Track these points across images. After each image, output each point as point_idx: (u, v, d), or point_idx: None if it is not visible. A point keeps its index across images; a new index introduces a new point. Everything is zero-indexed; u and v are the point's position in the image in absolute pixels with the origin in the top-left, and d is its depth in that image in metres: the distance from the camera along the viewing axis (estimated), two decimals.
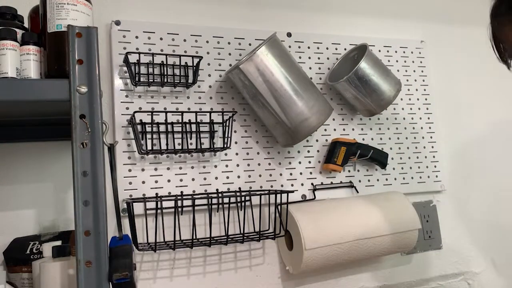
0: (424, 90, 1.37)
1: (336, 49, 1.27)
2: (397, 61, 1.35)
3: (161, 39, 1.08)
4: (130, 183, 1.01)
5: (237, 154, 1.12)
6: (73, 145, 0.62)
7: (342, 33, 1.30)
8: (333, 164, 1.18)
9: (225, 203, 1.06)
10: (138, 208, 0.97)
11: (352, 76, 1.13)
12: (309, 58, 1.24)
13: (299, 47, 1.23)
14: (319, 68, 1.24)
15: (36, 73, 0.69)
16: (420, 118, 1.35)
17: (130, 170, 1.01)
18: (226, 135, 1.06)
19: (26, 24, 0.76)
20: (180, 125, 1.05)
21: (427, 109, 1.37)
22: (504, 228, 1.43)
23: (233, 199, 1.07)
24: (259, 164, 1.13)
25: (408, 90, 1.35)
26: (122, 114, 1.02)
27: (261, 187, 1.13)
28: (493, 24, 0.76)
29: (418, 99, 1.36)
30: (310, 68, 1.23)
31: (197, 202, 1.02)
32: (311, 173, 1.19)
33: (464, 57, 1.49)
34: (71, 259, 0.79)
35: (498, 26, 0.75)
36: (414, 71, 1.37)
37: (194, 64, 1.07)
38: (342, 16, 1.33)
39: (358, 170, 1.25)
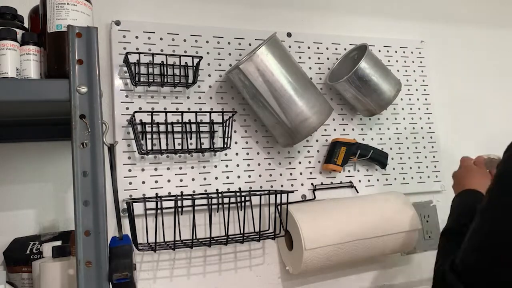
0: (424, 90, 1.37)
1: (336, 49, 1.27)
2: (397, 61, 1.35)
3: (161, 39, 1.08)
4: (130, 183, 1.01)
5: (237, 154, 1.12)
6: (73, 145, 0.62)
7: (342, 33, 1.30)
8: (333, 164, 1.18)
9: (225, 203, 1.06)
10: (138, 208, 0.97)
11: (352, 76, 1.13)
12: (309, 58, 1.24)
13: (299, 47, 1.23)
14: (319, 68, 1.24)
15: (36, 73, 0.69)
16: (420, 118, 1.35)
17: (130, 170, 1.01)
18: (226, 135, 1.06)
19: (26, 24, 0.76)
20: (180, 125, 1.05)
21: (427, 109, 1.37)
22: None
23: (233, 199, 1.07)
24: (259, 164, 1.13)
25: (408, 90, 1.35)
26: (122, 114, 1.02)
27: (261, 187, 1.13)
28: None
29: (418, 99, 1.36)
30: (310, 68, 1.23)
31: (197, 202, 1.02)
32: (311, 173, 1.19)
33: (464, 57, 1.49)
34: (71, 259, 0.79)
35: None
36: (414, 71, 1.37)
37: (194, 64, 1.07)
38: (342, 16, 1.33)
39: (358, 170, 1.24)
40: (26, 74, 0.68)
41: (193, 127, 1.07)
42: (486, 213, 0.67)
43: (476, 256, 0.65)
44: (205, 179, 1.08)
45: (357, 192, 1.23)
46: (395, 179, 1.29)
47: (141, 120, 1.02)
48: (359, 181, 1.24)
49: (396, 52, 1.35)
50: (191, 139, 1.07)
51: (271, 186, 1.14)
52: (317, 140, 1.21)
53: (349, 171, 1.23)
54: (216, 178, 1.09)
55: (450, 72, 1.45)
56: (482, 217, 0.67)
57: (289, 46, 1.22)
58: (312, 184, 1.18)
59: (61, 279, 0.76)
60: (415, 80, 1.37)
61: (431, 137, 1.36)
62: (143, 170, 1.02)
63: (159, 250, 1.01)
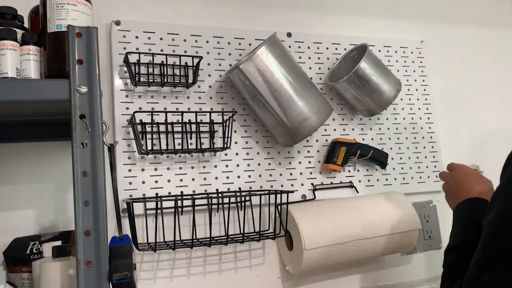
0: (424, 90, 1.37)
1: (336, 49, 1.27)
2: (397, 61, 1.35)
3: (161, 39, 1.08)
4: (130, 183, 1.01)
5: (237, 154, 1.12)
6: (73, 145, 0.62)
7: (342, 33, 1.30)
8: (333, 164, 1.18)
9: (225, 203, 1.06)
10: (138, 208, 0.97)
11: (352, 76, 1.13)
12: (309, 58, 1.24)
13: (299, 47, 1.23)
14: (319, 68, 1.24)
15: (36, 73, 0.69)
16: (420, 118, 1.35)
17: (130, 170, 1.01)
18: (226, 135, 1.06)
19: (26, 24, 0.76)
20: (180, 125, 1.05)
21: (427, 109, 1.37)
22: None
23: (233, 199, 1.07)
24: (259, 164, 1.13)
25: (408, 90, 1.35)
26: (122, 114, 1.02)
27: (261, 187, 1.13)
28: None
29: (418, 99, 1.36)
30: (310, 68, 1.23)
31: (197, 202, 1.02)
32: (311, 173, 1.19)
33: (464, 57, 1.49)
34: (71, 259, 0.79)
35: None
36: (414, 71, 1.37)
37: (194, 64, 1.07)
38: (342, 16, 1.33)
39: (358, 170, 1.24)
40: (26, 74, 0.68)
41: (193, 127, 1.07)
42: (494, 225, 0.64)
43: (488, 274, 0.62)
44: (205, 179, 1.08)
45: (357, 192, 1.23)
46: (395, 179, 1.29)
47: (141, 120, 1.02)
48: (359, 181, 1.24)
49: (396, 52, 1.35)
50: (191, 139, 1.07)
51: (271, 186, 1.14)
52: (317, 140, 1.21)
53: (349, 171, 1.23)
54: (216, 178, 1.09)
55: (450, 72, 1.45)
56: (492, 231, 0.64)
57: (289, 46, 1.22)
58: (312, 184, 1.18)
59: (61, 279, 0.76)
60: (415, 80, 1.37)
61: (431, 137, 1.36)
62: (143, 170, 1.02)
63: (159, 250, 1.01)
